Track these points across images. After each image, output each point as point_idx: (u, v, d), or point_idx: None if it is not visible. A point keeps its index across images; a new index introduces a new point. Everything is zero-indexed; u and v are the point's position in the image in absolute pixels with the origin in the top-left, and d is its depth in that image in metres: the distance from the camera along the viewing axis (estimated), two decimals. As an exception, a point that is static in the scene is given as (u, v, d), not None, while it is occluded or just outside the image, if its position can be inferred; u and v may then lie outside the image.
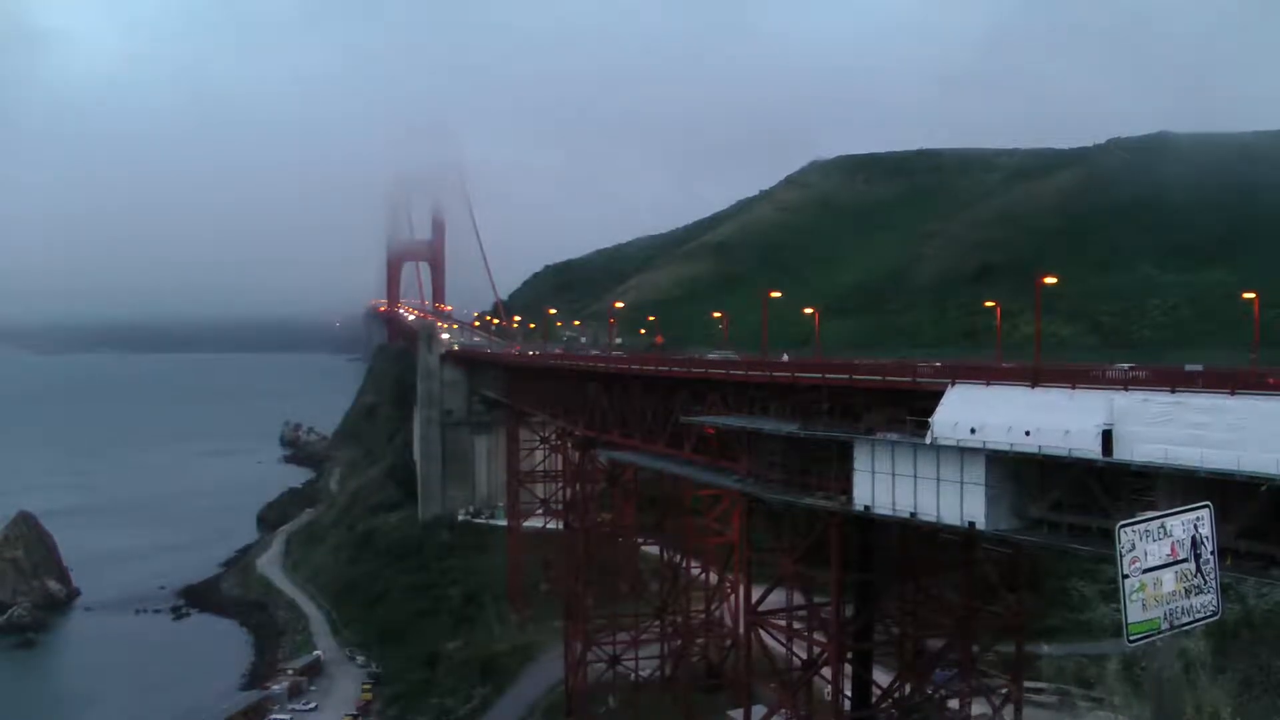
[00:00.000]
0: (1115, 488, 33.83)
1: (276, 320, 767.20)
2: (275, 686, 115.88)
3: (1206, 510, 13.09)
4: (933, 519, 40.20)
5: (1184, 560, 12.78)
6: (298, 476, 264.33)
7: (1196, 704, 14.67)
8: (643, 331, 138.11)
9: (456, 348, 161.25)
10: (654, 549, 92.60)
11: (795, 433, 46.98)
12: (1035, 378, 38.62)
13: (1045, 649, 69.24)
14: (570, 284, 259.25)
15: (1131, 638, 12.47)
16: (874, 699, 52.55)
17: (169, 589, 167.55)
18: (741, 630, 60.91)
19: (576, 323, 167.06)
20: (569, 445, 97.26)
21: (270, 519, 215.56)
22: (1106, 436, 33.58)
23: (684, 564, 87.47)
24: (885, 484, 41.96)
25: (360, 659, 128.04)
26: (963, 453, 38.33)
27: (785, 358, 61.82)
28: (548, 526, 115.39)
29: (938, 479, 39.53)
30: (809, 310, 73.41)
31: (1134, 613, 12.41)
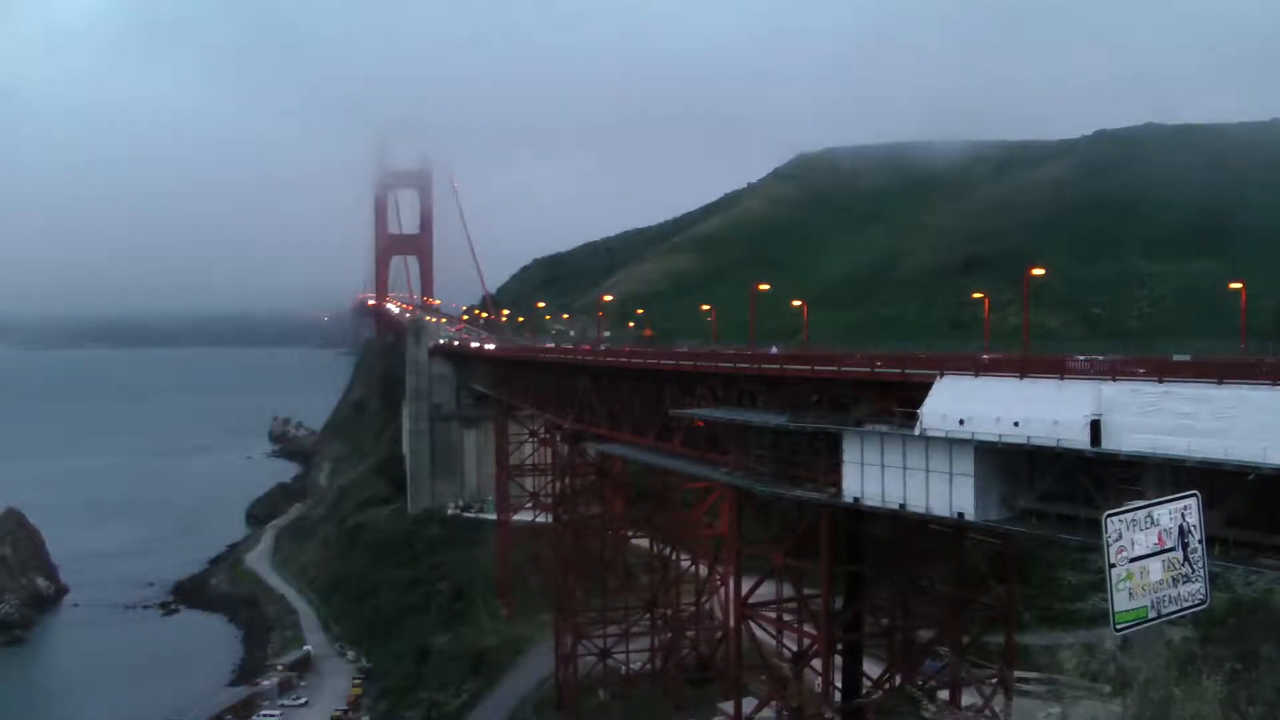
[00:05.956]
0: (1103, 478, 33.90)
1: (264, 315, 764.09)
2: (265, 682, 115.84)
3: (1194, 499, 13.07)
4: (922, 510, 40.26)
5: (1171, 549, 12.76)
6: (286, 472, 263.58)
7: (1184, 693, 14.67)
8: (631, 325, 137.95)
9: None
10: (644, 542, 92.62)
11: (784, 425, 46.96)
12: (1023, 369, 38.70)
13: (1047, 639, 69.42)
14: (558, 278, 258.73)
15: (1118, 626, 12.45)
16: (864, 690, 52.69)
17: (158, 585, 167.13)
18: (732, 623, 60.95)
19: (565, 316, 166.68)
20: (558, 439, 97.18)
21: (259, 514, 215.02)
22: (1095, 427, 33.66)
23: (674, 557, 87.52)
24: (874, 475, 41.98)
25: (350, 654, 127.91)
26: (951, 444, 38.38)
27: (774, 350, 61.78)
28: (537, 520, 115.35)
29: (926, 470, 39.58)
30: (797, 303, 73.47)
31: (1121, 601, 12.40)
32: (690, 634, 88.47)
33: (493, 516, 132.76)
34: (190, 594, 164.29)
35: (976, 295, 79.21)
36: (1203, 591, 12.95)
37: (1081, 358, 39.74)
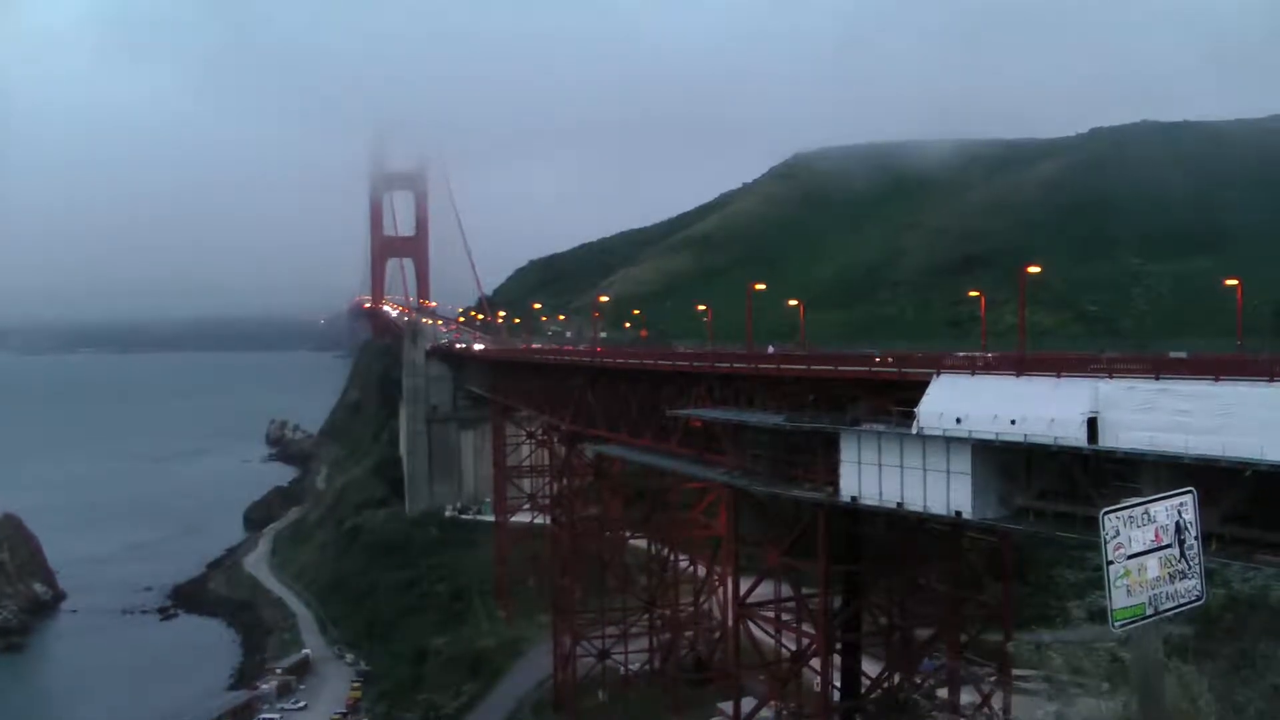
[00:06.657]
0: (1100, 476, 33.90)
1: (260, 318, 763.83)
2: (264, 686, 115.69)
3: (1190, 496, 13.09)
4: (919, 509, 40.25)
5: (1168, 546, 12.78)
6: (284, 475, 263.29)
7: (1180, 689, 14.72)
8: (627, 325, 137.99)
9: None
10: (642, 542, 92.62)
11: (781, 425, 46.97)
12: (1020, 367, 38.72)
13: (1045, 637, 69.37)
14: (555, 279, 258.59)
15: (1116, 624, 12.47)
16: (863, 689, 52.71)
17: (156, 590, 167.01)
18: (730, 623, 60.95)
19: (561, 317, 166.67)
20: (555, 440, 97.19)
21: (257, 518, 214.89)
22: (1092, 424, 33.67)
23: (672, 557, 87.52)
24: (872, 475, 41.98)
25: (349, 657, 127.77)
26: (948, 442, 38.37)
27: (771, 350, 61.83)
28: (535, 521, 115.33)
29: (924, 469, 39.57)
30: (793, 303, 73.45)
31: (1119, 599, 12.41)
32: (689, 634, 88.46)
33: (490, 518, 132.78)
34: (188, 598, 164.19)
35: (973, 294, 79.30)
36: (1198, 588, 12.97)
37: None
